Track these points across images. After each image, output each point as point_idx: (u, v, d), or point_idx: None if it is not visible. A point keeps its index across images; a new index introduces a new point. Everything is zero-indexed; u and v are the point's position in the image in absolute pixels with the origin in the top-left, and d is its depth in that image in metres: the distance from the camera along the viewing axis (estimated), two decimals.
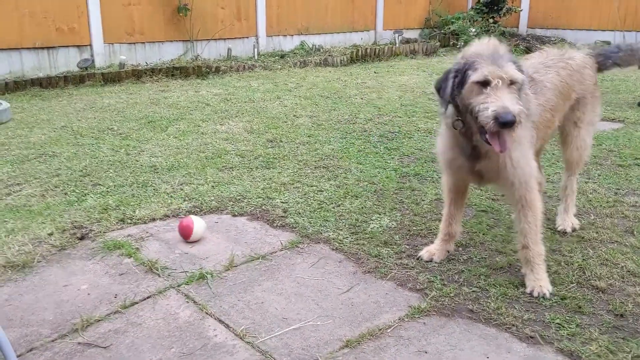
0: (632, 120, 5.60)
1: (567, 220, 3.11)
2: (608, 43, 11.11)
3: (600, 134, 5.05)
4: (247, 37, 9.82)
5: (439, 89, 2.38)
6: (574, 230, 3.08)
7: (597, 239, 2.98)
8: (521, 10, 12.22)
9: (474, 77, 2.21)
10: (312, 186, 3.78)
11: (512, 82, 2.22)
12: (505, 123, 2.13)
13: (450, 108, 2.38)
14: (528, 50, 11.16)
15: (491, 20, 11.55)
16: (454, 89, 2.30)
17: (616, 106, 6.24)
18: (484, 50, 2.28)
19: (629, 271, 2.63)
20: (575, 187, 3.16)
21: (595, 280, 2.55)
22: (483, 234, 3.05)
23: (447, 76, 2.33)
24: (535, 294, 2.45)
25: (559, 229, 3.09)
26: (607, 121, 5.62)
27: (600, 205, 3.43)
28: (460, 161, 2.52)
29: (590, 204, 3.47)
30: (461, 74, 2.27)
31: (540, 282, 2.48)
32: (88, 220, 3.23)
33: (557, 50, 2.95)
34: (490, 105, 2.16)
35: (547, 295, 2.44)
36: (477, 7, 11.67)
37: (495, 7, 11.49)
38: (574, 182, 3.14)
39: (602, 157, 4.37)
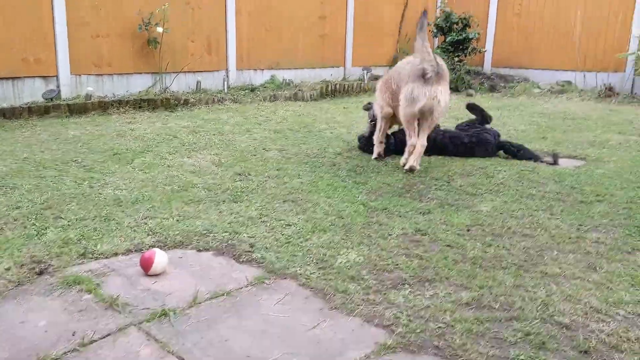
0: (593, 157, 5.76)
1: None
2: (569, 83, 11.51)
3: (562, 170, 5.18)
4: (217, 71, 9.86)
5: None
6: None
7: (560, 274, 3.02)
8: (485, 51, 12.59)
9: None
10: (280, 220, 3.75)
11: None
12: None
13: None
14: (492, 89, 11.47)
15: (457, 59, 11.85)
16: None
17: (577, 144, 6.42)
18: None
19: (592, 307, 2.67)
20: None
21: (559, 316, 2.58)
22: (448, 269, 3.06)
23: None
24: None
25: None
26: (569, 158, 5.77)
27: (563, 241, 3.49)
28: None
29: (553, 239, 3.52)
30: None
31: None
32: (47, 255, 3.14)
33: None
34: None
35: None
36: (444, 46, 11.97)
37: (461, 47, 11.80)
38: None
39: (565, 194, 4.47)
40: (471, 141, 5.65)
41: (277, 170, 5.03)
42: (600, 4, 11.23)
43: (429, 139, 5.20)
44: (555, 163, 5.39)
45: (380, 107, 5.58)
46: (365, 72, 11.71)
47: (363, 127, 7.20)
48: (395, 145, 5.71)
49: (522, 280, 2.95)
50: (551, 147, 6.21)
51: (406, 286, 2.87)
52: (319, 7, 11.21)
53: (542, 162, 5.46)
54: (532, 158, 5.54)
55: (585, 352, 2.31)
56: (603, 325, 2.50)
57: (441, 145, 5.68)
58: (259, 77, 10.49)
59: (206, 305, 2.66)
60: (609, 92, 10.64)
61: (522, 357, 2.26)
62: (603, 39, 11.25)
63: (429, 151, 5.44)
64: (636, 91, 10.83)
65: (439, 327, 2.48)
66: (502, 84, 11.80)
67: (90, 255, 3.16)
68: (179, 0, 9.11)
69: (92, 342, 2.33)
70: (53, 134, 6.31)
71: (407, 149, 5.19)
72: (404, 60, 5.36)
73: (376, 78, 11.74)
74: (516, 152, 5.63)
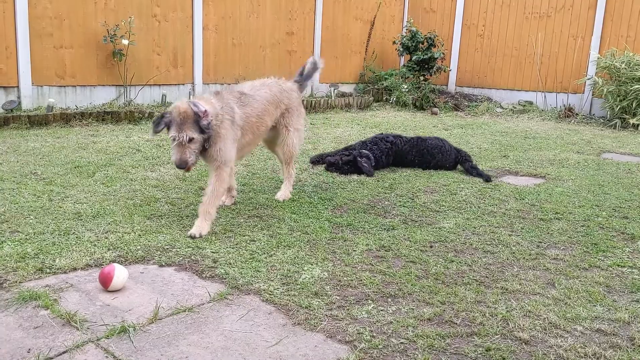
0: (553, 176, 5.90)
1: (284, 192, 4.61)
2: (530, 103, 11.80)
3: (522, 188, 5.29)
4: (183, 84, 9.80)
5: (155, 123, 3.71)
6: (284, 199, 4.56)
7: (520, 290, 3.07)
8: (450, 70, 12.83)
9: (169, 133, 3.67)
10: (244, 236, 3.73)
11: (190, 140, 3.63)
12: (178, 167, 3.78)
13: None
14: (456, 107, 11.68)
15: (422, 78, 12.05)
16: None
17: (538, 163, 6.58)
18: (175, 116, 3.61)
19: (550, 323, 2.71)
20: (293, 173, 4.74)
21: (518, 331, 2.62)
22: (411, 285, 3.08)
23: (160, 120, 3.68)
24: (190, 233, 3.63)
25: (277, 197, 4.59)
26: (529, 177, 5.91)
27: (524, 258, 3.56)
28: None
29: (513, 256, 3.58)
30: (166, 125, 3.66)
31: (200, 227, 3.66)
32: (3, 269, 3.04)
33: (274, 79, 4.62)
34: (172, 156, 3.74)
35: (198, 235, 3.62)
36: (409, 64, 12.17)
37: (426, 66, 12.02)
38: (292, 169, 4.70)
39: (525, 211, 4.56)
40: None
41: (242, 185, 5.00)
42: (561, 28, 11.59)
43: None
44: (487, 180, 5.61)
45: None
46: (332, 88, 11.79)
47: (328, 145, 7.25)
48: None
49: (483, 296, 2.98)
50: (512, 166, 6.35)
51: (369, 302, 2.87)
52: (287, 23, 11.27)
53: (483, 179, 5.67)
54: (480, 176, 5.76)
55: None
56: (561, 341, 2.55)
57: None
58: None
59: (167, 321, 2.61)
60: (568, 113, 10.96)
61: None
62: (563, 61, 11.60)
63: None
64: (594, 112, 11.18)
65: (402, 342, 2.49)
66: (466, 103, 12.03)
67: (48, 270, 3.07)
68: (145, 13, 9.05)
69: (47, 359, 2.26)
70: (12, 146, 6.15)
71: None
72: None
73: (343, 95, 11.85)
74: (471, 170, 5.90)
